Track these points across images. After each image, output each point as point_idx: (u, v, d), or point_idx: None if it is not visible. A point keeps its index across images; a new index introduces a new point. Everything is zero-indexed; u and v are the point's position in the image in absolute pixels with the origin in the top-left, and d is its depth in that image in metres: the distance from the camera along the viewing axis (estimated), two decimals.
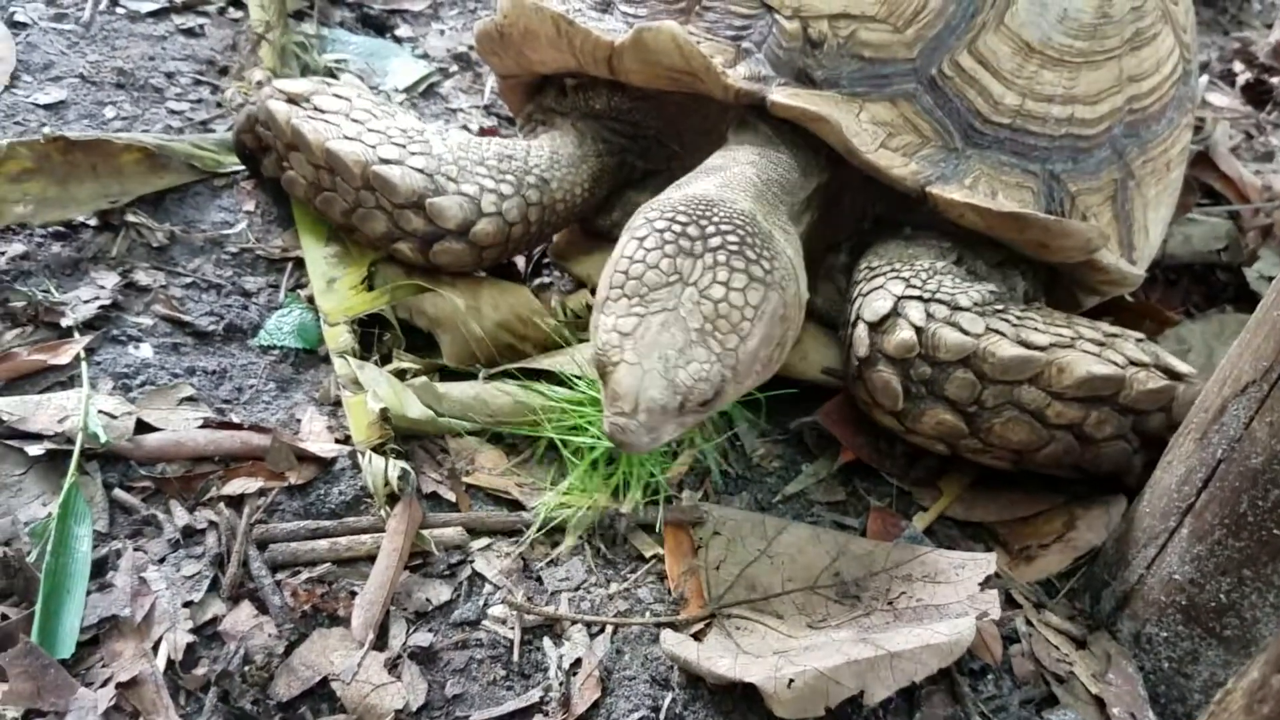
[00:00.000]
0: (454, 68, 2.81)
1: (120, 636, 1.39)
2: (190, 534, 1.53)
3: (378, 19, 2.91)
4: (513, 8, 1.92)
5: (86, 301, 1.82)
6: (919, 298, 1.67)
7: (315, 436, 1.70)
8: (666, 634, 1.45)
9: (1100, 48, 1.82)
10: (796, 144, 1.80)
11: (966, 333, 1.62)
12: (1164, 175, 2.01)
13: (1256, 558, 1.39)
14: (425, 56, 2.82)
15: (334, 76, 2.59)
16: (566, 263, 2.10)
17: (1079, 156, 1.84)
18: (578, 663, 1.45)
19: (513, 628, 1.49)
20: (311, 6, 2.81)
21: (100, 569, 1.46)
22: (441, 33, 2.95)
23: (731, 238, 1.51)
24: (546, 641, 1.48)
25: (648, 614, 1.53)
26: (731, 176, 1.67)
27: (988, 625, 1.50)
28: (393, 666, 1.41)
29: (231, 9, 2.72)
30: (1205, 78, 3.50)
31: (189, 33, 2.60)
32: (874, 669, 1.34)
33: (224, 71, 2.49)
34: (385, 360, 1.84)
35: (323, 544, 1.54)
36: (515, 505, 1.67)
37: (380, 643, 1.44)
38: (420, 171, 1.80)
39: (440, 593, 1.52)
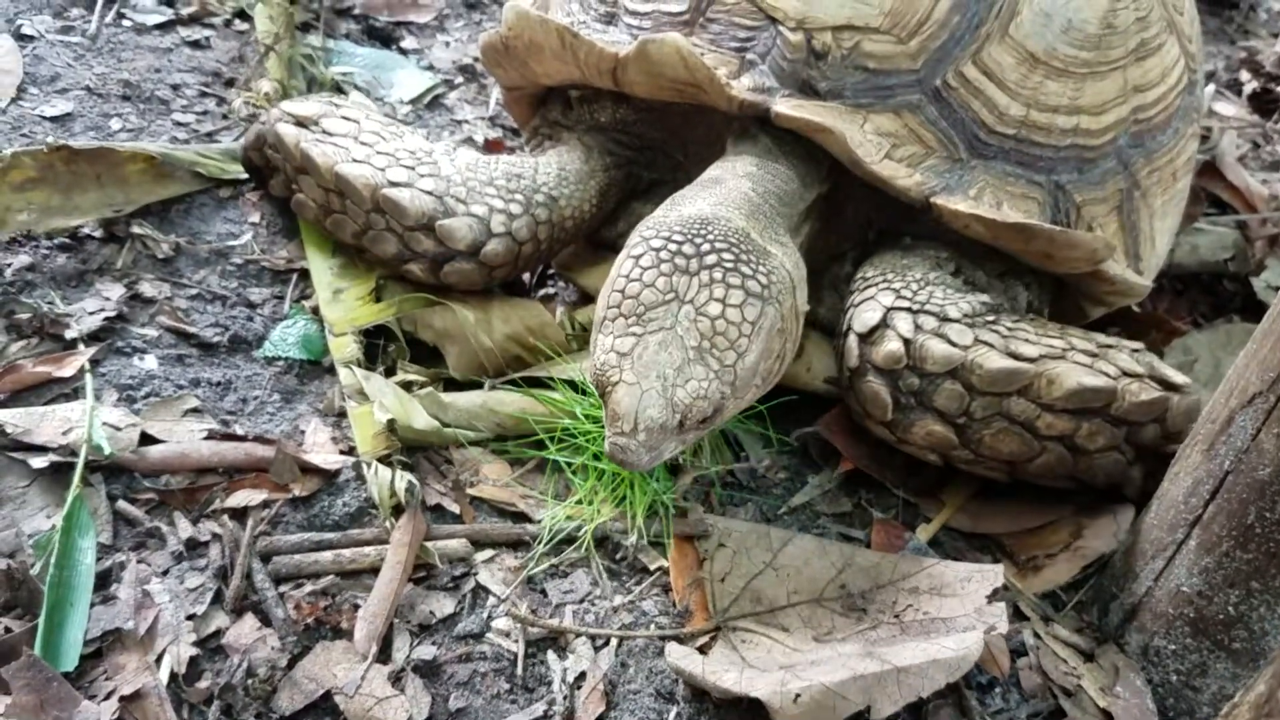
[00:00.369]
0: (459, 79, 2.81)
1: (123, 649, 1.39)
2: (194, 546, 1.53)
3: (383, 31, 2.92)
4: (518, 20, 1.92)
5: (91, 313, 1.82)
6: (908, 309, 1.67)
7: (319, 448, 1.70)
8: (671, 647, 1.44)
9: (1105, 58, 1.82)
10: (797, 155, 1.80)
11: (954, 344, 1.62)
12: (1170, 185, 2.00)
13: (1265, 570, 1.38)
14: (430, 68, 2.82)
15: (340, 89, 2.60)
16: (572, 274, 2.09)
17: (1084, 167, 1.84)
18: (582, 676, 1.45)
19: (517, 641, 1.48)
20: (318, 19, 2.81)
21: (104, 581, 1.46)
22: (447, 44, 2.96)
23: (727, 255, 1.51)
24: (551, 654, 1.48)
25: (652, 627, 1.52)
26: (727, 192, 1.67)
27: (995, 638, 1.49)
28: (396, 680, 1.41)
29: (237, 21, 2.73)
30: (1212, 87, 3.50)
31: (195, 45, 2.60)
32: (881, 684, 1.33)
33: (230, 83, 2.50)
34: (390, 372, 1.84)
35: (326, 556, 1.53)
36: (519, 517, 1.67)
37: (383, 656, 1.43)
38: (429, 194, 1.81)
39: (444, 605, 1.52)
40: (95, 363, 1.74)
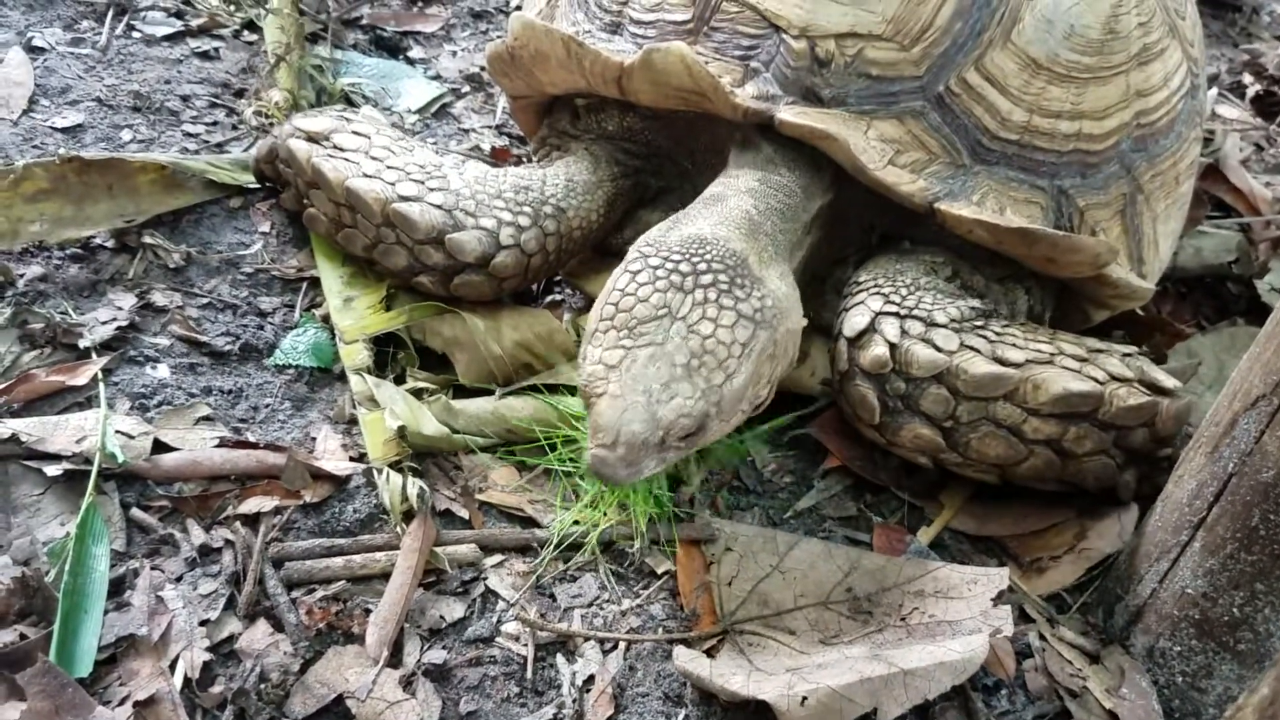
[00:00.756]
0: (466, 88, 2.83)
1: (137, 655, 1.40)
2: (207, 553, 1.55)
3: (391, 41, 2.94)
4: (524, 30, 1.94)
5: (104, 322, 1.84)
6: (895, 314, 1.69)
7: (330, 455, 1.71)
8: (679, 651, 1.46)
9: (1107, 63, 1.83)
10: (799, 164, 1.81)
11: (940, 349, 1.64)
12: (1173, 189, 2.01)
13: (1269, 571, 1.39)
14: (438, 78, 2.84)
15: (349, 100, 2.62)
16: (578, 281, 2.11)
17: (1087, 172, 1.85)
18: (591, 679, 1.46)
19: (526, 645, 1.49)
20: (326, 29, 2.84)
21: (118, 588, 1.47)
22: (453, 54, 2.98)
23: (723, 276, 1.52)
24: (560, 658, 1.49)
25: (660, 630, 1.53)
26: (728, 211, 1.67)
27: (1001, 641, 1.50)
28: (407, 684, 1.42)
29: (246, 32, 2.76)
30: (1215, 90, 3.50)
31: (204, 56, 2.63)
32: (887, 687, 1.34)
33: (240, 94, 2.52)
34: (399, 379, 1.86)
35: (337, 562, 1.55)
36: (528, 522, 1.68)
37: (395, 660, 1.45)
38: (439, 208, 1.83)
39: (454, 610, 1.53)
40: (108, 372, 1.76)
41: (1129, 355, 1.72)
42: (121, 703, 1.34)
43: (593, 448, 1.42)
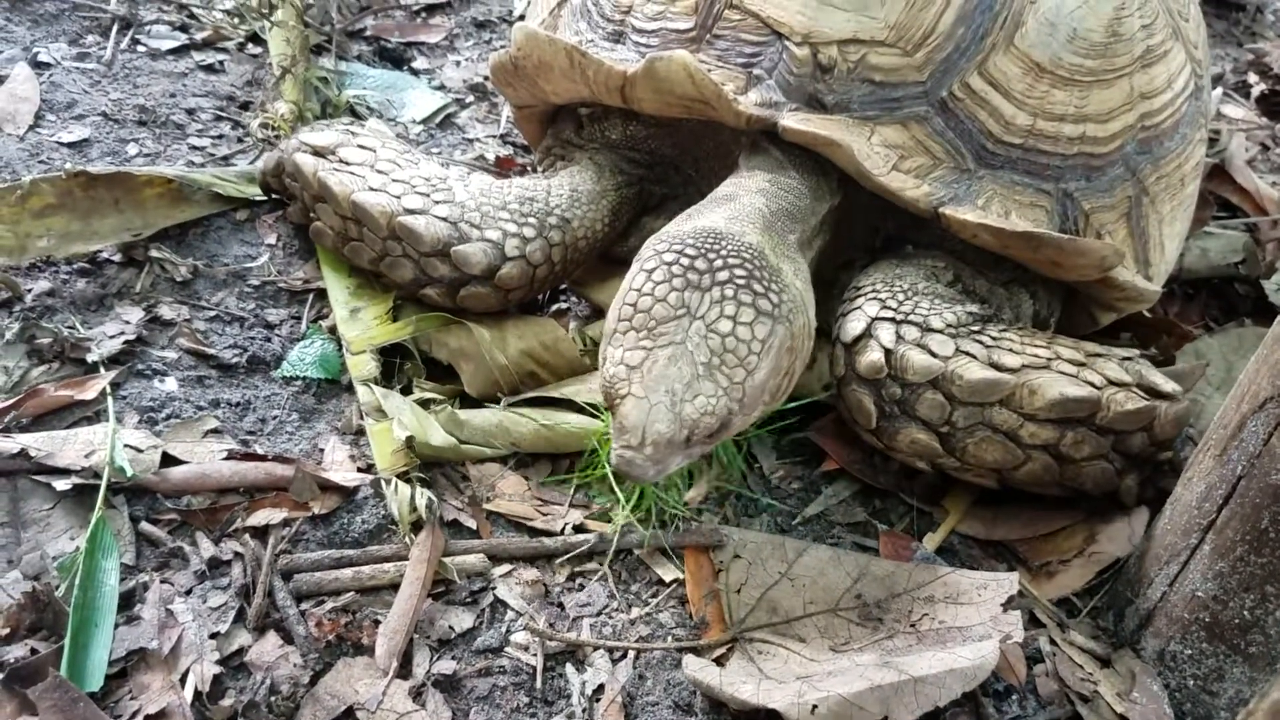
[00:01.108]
0: (470, 98, 2.84)
1: (148, 669, 1.40)
2: (216, 565, 1.55)
3: (395, 52, 2.95)
4: (526, 40, 1.94)
5: (112, 337, 1.85)
6: (891, 319, 1.69)
7: (338, 466, 1.72)
8: (689, 659, 1.46)
9: (1111, 66, 1.83)
10: (808, 168, 1.81)
11: (935, 355, 1.63)
12: (1179, 191, 2.01)
13: (1279, 574, 1.38)
14: (442, 88, 2.85)
15: (354, 111, 2.63)
16: (584, 289, 2.11)
17: (1092, 174, 1.85)
18: (600, 689, 1.46)
19: (535, 654, 1.49)
20: (330, 41, 2.85)
21: (128, 602, 1.48)
22: (457, 64, 2.99)
23: (739, 271, 1.52)
24: (569, 668, 1.49)
25: (669, 639, 1.53)
26: (740, 208, 1.68)
27: (1011, 646, 1.49)
28: (417, 695, 1.42)
29: (251, 45, 2.77)
30: (1220, 90, 3.49)
31: (209, 69, 2.64)
32: (898, 694, 1.34)
33: (245, 107, 2.53)
34: (406, 390, 1.86)
35: (346, 573, 1.55)
36: (536, 531, 1.68)
37: (404, 671, 1.45)
38: (444, 220, 1.83)
39: (463, 620, 1.53)
40: (116, 386, 1.77)
41: (1128, 359, 1.71)
42: (132, 717, 1.34)
43: (618, 449, 1.43)
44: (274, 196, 2.19)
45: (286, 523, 1.61)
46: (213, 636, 1.45)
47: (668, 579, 1.63)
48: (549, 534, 1.67)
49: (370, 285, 1.99)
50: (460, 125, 2.73)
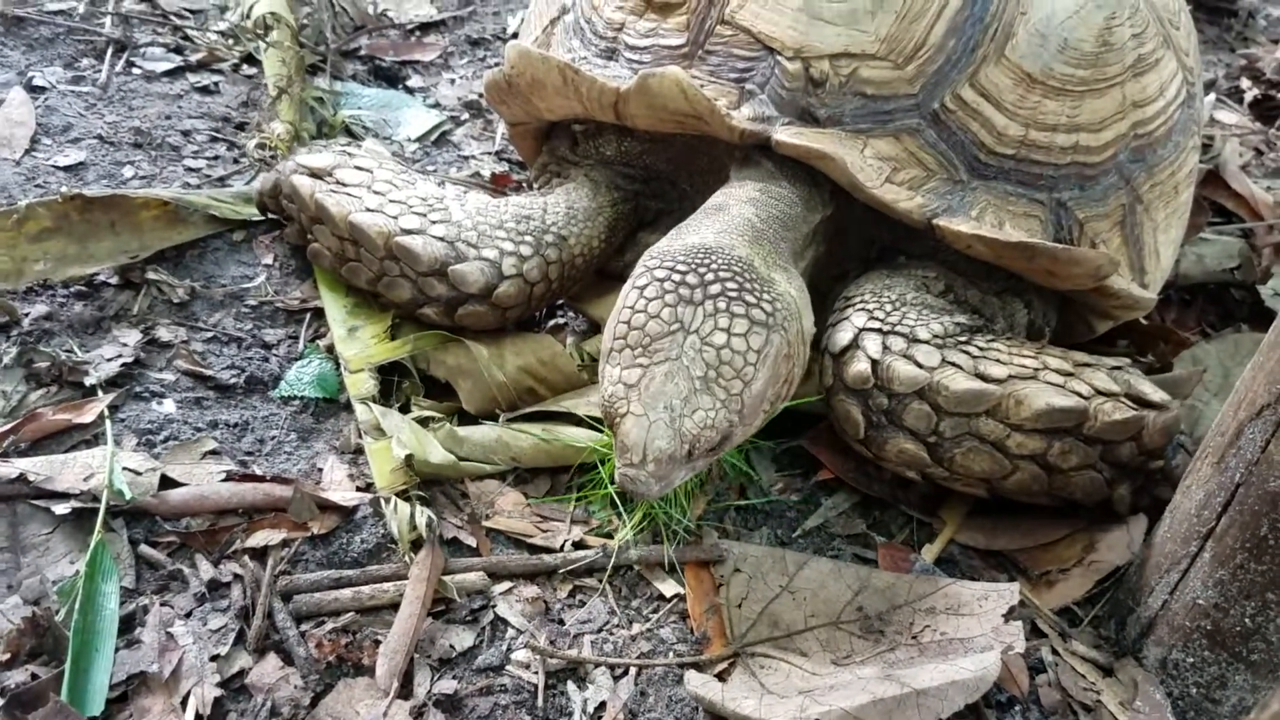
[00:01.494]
0: (465, 115, 2.85)
1: (149, 692, 1.40)
2: (216, 587, 1.55)
3: (389, 71, 2.96)
4: (520, 58, 1.95)
5: (109, 359, 1.85)
6: (878, 330, 1.70)
7: (337, 485, 1.72)
8: (690, 675, 1.45)
9: (1102, 75, 1.83)
10: (799, 179, 1.82)
11: (921, 366, 1.64)
12: (1173, 198, 2.01)
13: (1279, 581, 1.39)
14: (437, 106, 2.86)
15: (350, 131, 2.64)
16: (581, 305, 2.12)
17: (1085, 184, 1.85)
18: (602, 706, 1.45)
19: (536, 672, 1.49)
20: (325, 61, 2.86)
21: (128, 625, 1.47)
22: (452, 82, 3.00)
23: (730, 284, 1.53)
24: (570, 685, 1.48)
25: (671, 654, 1.53)
26: (730, 219, 1.68)
27: (1013, 657, 1.49)
28: (418, 715, 1.42)
29: (245, 66, 2.78)
30: (1213, 95, 3.51)
31: (204, 90, 2.65)
32: (901, 707, 1.33)
33: (240, 127, 2.54)
34: (404, 408, 1.86)
35: (346, 593, 1.55)
36: (536, 548, 1.68)
37: (405, 691, 1.45)
38: (441, 240, 1.84)
39: (463, 639, 1.53)
40: (114, 408, 1.77)
41: (1117, 369, 1.71)
42: None
43: (621, 467, 1.44)
44: (271, 217, 2.19)
45: (286, 543, 1.61)
46: (213, 659, 1.45)
47: (668, 594, 1.62)
48: (549, 550, 1.67)
49: (367, 304, 2.00)
50: (456, 143, 2.74)
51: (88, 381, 1.80)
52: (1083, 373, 1.68)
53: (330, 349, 1.96)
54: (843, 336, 1.71)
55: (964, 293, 1.87)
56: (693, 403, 1.45)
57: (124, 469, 1.63)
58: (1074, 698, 1.52)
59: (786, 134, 1.75)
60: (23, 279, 1.93)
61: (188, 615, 1.50)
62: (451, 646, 1.52)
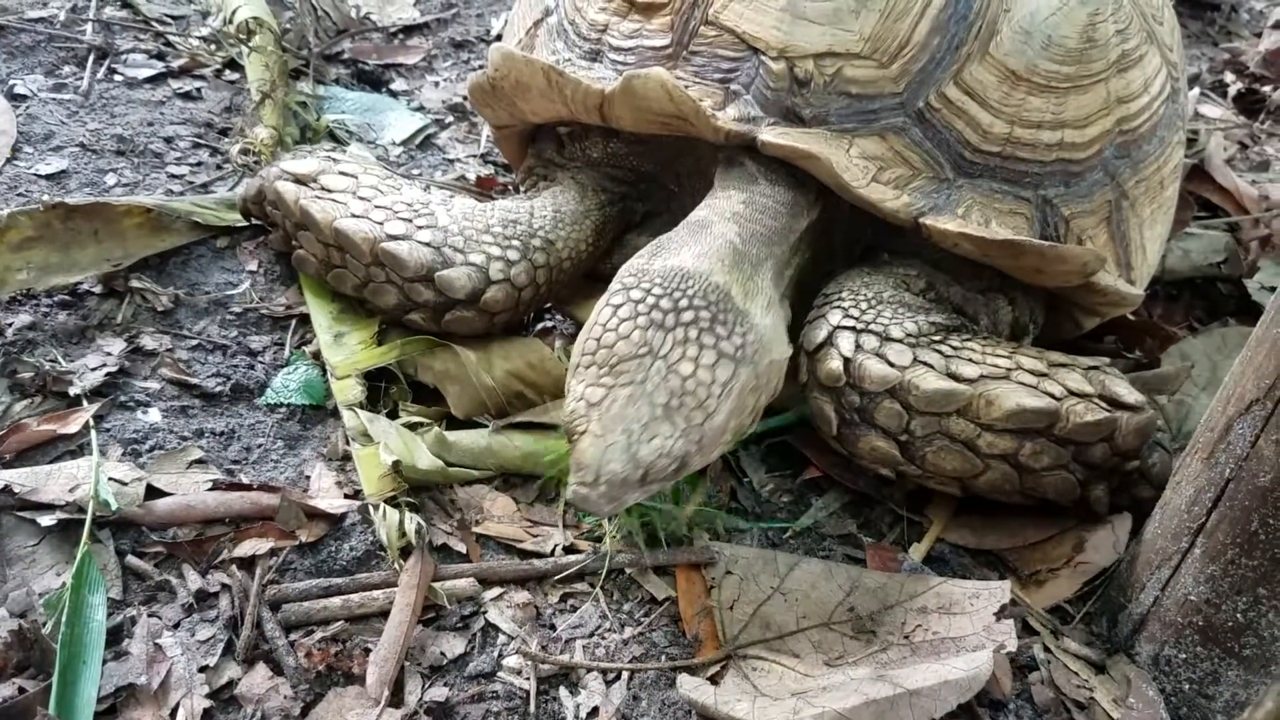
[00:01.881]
0: (449, 119, 2.84)
1: (138, 704, 1.39)
2: (203, 598, 1.54)
3: (373, 74, 2.95)
4: (504, 61, 1.95)
5: (94, 369, 1.84)
6: (852, 328, 1.70)
7: (324, 493, 1.71)
8: (683, 678, 1.45)
9: (1086, 72, 1.83)
10: (785, 182, 1.81)
11: (892, 364, 1.64)
12: (1158, 193, 2.02)
13: (1271, 576, 1.39)
14: (421, 109, 2.85)
15: (334, 135, 2.63)
16: (569, 307, 2.11)
17: (1071, 180, 1.85)
18: (595, 711, 1.45)
19: (528, 678, 1.48)
20: (308, 65, 2.85)
21: (116, 637, 1.46)
22: (436, 85, 2.99)
23: (704, 313, 1.52)
24: (563, 690, 1.48)
25: (663, 658, 1.52)
26: (712, 240, 1.66)
27: (999, 659, 1.49)
28: None
29: (228, 71, 2.76)
30: (1197, 89, 3.52)
31: (187, 96, 2.63)
32: (894, 708, 1.33)
33: (223, 133, 2.52)
34: (392, 414, 1.85)
35: (335, 602, 1.54)
36: (526, 553, 1.68)
37: (396, 699, 1.44)
38: (427, 245, 1.83)
39: (454, 645, 1.52)
40: (99, 418, 1.76)
41: (1093, 369, 1.71)
42: None
43: (574, 483, 1.43)
44: (255, 223, 2.18)
45: (273, 552, 1.60)
46: (202, 670, 1.44)
47: (660, 597, 1.62)
48: (539, 555, 1.67)
49: (354, 309, 1.99)
50: (440, 146, 2.73)
51: (72, 391, 1.79)
52: (1057, 373, 1.68)
53: (316, 355, 1.94)
54: (817, 334, 1.71)
55: (946, 291, 1.87)
56: (651, 429, 1.44)
57: (109, 479, 1.62)
58: (1067, 695, 1.52)
59: (772, 134, 1.75)
60: (5, 288, 1.91)
61: (176, 626, 1.49)
62: (442, 654, 1.51)
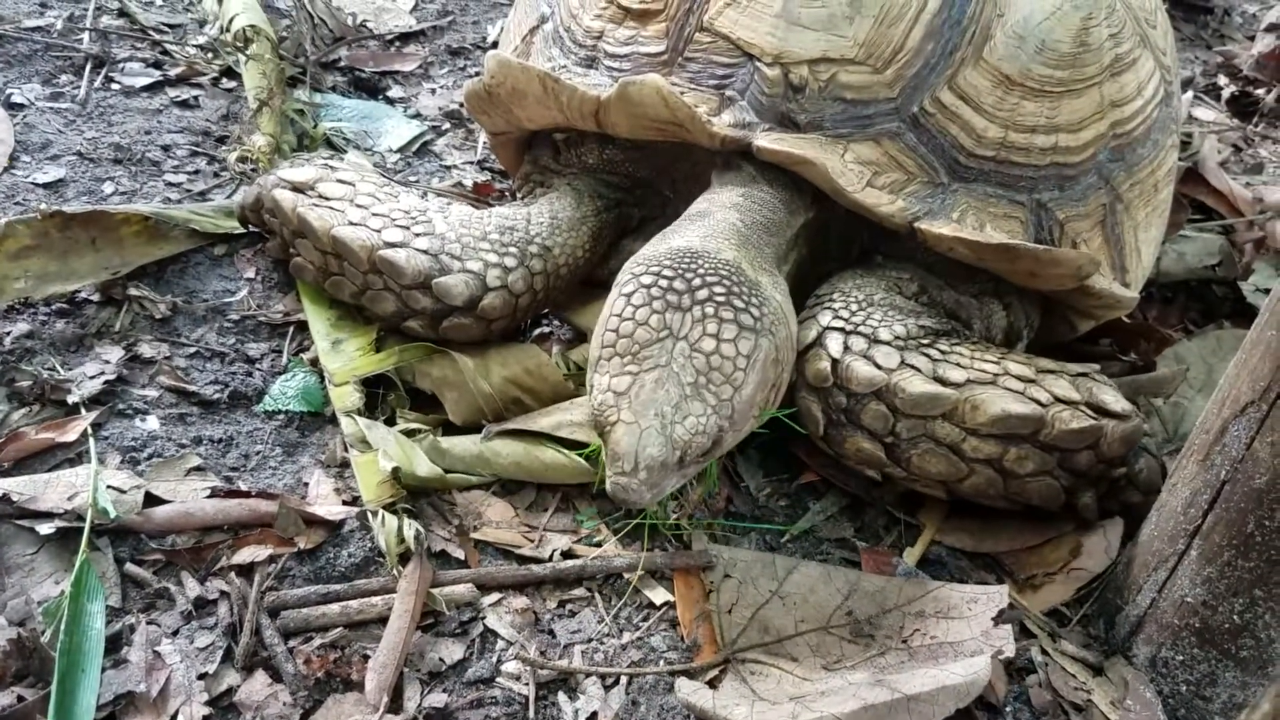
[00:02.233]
0: (446, 125, 2.84)
1: (137, 712, 1.39)
2: (202, 605, 1.54)
3: (369, 82, 2.96)
4: (500, 68, 1.95)
5: (92, 377, 1.84)
6: (841, 329, 1.71)
7: (323, 499, 1.71)
8: (681, 683, 1.45)
9: (1080, 76, 1.84)
10: (780, 184, 1.82)
11: (879, 367, 1.65)
12: (1153, 196, 2.02)
13: (1267, 577, 1.39)
14: (418, 116, 2.85)
15: (331, 143, 2.63)
16: (566, 313, 2.11)
17: (1065, 184, 1.86)
18: (594, 716, 1.45)
19: (527, 684, 1.48)
20: (304, 73, 2.85)
21: (115, 645, 1.46)
22: (433, 92, 3.00)
23: (718, 289, 1.53)
24: (561, 696, 1.48)
25: (662, 663, 1.53)
26: (715, 224, 1.69)
27: (994, 665, 1.49)
28: None
29: (225, 79, 2.77)
30: (1190, 92, 3.53)
31: (184, 105, 2.64)
32: (892, 713, 1.33)
33: (221, 141, 2.52)
34: (390, 421, 1.86)
35: (334, 608, 1.54)
36: (525, 559, 1.68)
37: (395, 705, 1.44)
38: (425, 252, 1.83)
39: (453, 651, 1.52)
40: (97, 426, 1.76)
41: (1082, 375, 1.72)
42: None
43: (613, 475, 1.44)
44: (252, 230, 2.18)
45: (272, 559, 1.60)
46: (201, 677, 1.44)
47: (658, 602, 1.62)
48: (537, 561, 1.67)
49: (351, 316, 1.99)
50: (437, 153, 2.73)
51: (70, 400, 1.79)
52: (1044, 379, 1.68)
53: (314, 362, 1.95)
54: (807, 334, 1.72)
55: (939, 295, 1.88)
56: (683, 409, 1.45)
57: (108, 487, 1.62)
58: (1064, 698, 1.52)
59: (767, 140, 1.76)
60: (3, 297, 1.91)
61: (175, 633, 1.49)
62: (441, 659, 1.51)
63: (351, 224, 1.87)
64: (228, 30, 2.83)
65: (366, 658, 1.48)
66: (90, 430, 1.73)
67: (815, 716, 1.33)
